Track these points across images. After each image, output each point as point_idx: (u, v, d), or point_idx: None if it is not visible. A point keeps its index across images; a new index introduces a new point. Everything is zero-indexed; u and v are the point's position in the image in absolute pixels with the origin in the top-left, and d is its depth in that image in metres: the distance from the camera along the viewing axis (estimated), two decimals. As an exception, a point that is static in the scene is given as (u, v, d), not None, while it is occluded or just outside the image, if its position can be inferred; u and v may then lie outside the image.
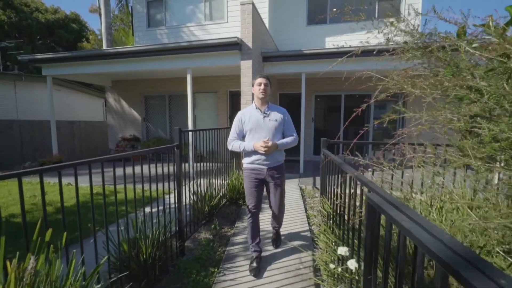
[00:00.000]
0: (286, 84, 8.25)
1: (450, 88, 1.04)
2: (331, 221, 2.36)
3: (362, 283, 1.18)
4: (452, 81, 1.00)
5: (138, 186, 2.07)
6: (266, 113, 2.36)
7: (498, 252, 1.00)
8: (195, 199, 3.24)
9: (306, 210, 3.82)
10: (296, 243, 2.73)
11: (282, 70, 6.41)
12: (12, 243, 2.47)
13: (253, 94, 2.44)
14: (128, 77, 8.74)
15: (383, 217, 1.01)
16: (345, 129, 7.90)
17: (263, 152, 2.25)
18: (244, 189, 2.50)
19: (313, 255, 2.47)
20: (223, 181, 4.12)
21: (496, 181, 1.18)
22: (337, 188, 2.16)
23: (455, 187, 1.87)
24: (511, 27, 1.13)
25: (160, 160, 2.35)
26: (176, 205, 2.60)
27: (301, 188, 5.02)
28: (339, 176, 2.08)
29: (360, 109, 1.32)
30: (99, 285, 1.44)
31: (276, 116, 2.37)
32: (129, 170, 1.96)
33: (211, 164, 3.74)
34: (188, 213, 2.99)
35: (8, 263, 1.07)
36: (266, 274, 2.26)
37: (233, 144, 2.40)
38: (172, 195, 2.60)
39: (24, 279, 1.04)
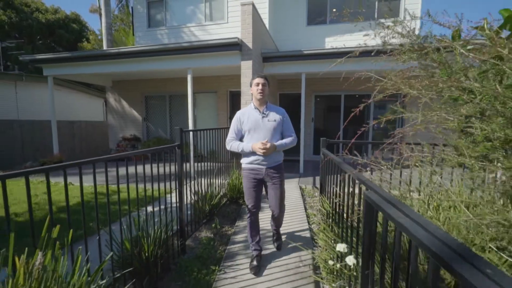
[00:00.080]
0: (286, 84, 8.28)
1: (445, 89, 1.08)
2: (330, 220, 2.39)
3: (360, 278, 1.22)
4: (447, 82, 1.04)
5: (140, 186, 2.10)
6: (265, 114, 2.36)
7: (491, 248, 1.04)
8: (196, 199, 3.27)
9: (306, 209, 3.85)
10: (296, 242, 2.76)
11: (282, 70, 6.44)
12: (16, 241, 2.50)
13: (252, 94, 2.46)
14: (129, 77, 8.77)
15: (380, 214, 1.05)
16: (345, 129, 7.94)
17: (261, 154, 2.26)
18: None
19: (312, 253, 2.50)
20: (224, 181, 4.15)
21: (489, 179, 1.21)
22: (336, 187, 2.19)
23: (452, 185, 1.90)
24: (504, 30, 1.16)
25: (162, 159, 2.38)
26: (177, 204, 2.64)
27: (301, 188, 5.05)
28: (339, 175, 2.11)
29: (358, 109, 1.36)
30: (104, 281, 1.48)
31: (275, 116, 2.37)
32: (130, 170, 1.98)
33: (211, 163, 3.77)
34: (189, 212, 3.02)
35: (16, 259, 1.11)
36: (266, 272, 2.29)
37: (232, 144, 2.40)
38: (173, 195, 2.63)
39: (32, 274, 1.07)
